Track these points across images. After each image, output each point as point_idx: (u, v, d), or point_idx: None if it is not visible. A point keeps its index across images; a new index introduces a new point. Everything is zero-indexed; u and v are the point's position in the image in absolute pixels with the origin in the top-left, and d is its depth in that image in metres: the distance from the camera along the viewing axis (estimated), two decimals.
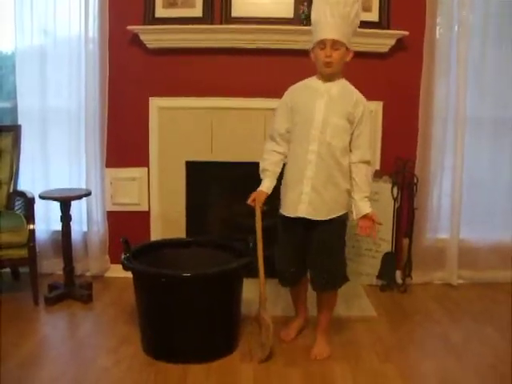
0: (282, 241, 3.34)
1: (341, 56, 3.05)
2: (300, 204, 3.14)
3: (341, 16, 2.97)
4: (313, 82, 3.19)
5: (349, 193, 3.17)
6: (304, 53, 4.13)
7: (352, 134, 3.11)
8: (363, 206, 3.15)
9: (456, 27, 4.24)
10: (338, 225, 3.22)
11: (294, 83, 4.19)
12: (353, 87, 3.17)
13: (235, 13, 4.23)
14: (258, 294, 3.27)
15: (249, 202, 3.24)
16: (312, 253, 3.21)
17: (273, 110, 3.97)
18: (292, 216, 3.19)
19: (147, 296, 3.27)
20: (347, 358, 3.22)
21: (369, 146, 3.17)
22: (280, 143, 3.25)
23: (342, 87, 3.15)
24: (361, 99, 3.13)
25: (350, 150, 3.14)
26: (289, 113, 3.21)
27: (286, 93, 3.28)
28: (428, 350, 3.38)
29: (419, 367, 3.20)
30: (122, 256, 3.32)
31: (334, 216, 3.16)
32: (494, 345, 3.45)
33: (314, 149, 3.09)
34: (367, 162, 3.15)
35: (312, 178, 3.11)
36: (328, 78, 3.12)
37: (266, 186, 3.25)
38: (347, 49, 3.07)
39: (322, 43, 3.02)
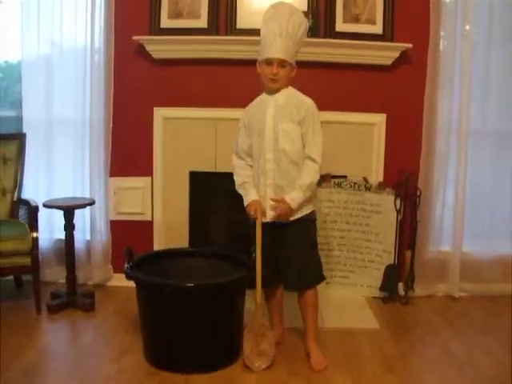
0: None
1: (286, 73, 3.24)
2: (266, 210, 3.29)
3: (289, 36, 3.14)
4: (263, 97, 3.36)
5: None
6: (307, 64, 4.18)
7: (303, 132, 3.27)
8: (291, 194, 3.24)
9: (459, 40, 4.26)
10: (307, 223, 3.35)
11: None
12: (298, 92, 3.32)
13: (240, 24, 4.26)
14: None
15: (252, 212, 3.28)
16: (285, 253, 3.32)
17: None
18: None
19: (150, 305, 3.27)
20: (350, 370, 3.22)
21: (314, 144, 3.30)
22: (246, 158, 3.43)
23: (287, 95, 3.29)
24: (303, 100, 3.28)
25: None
26: (247, 130, 3.40)
27: (243, 112, 3.46)
28: (430, 362, 3.38)
29: (421, 379, 3.19)
30: (125, 265, 3.32)
31: (299, 216, 3.29)
32: (496, 357, 3.44)
33: (270, 157, 3.27)
34: (311, 159, 3.28)
35: (273, 185, 3.29)
36: (273, 91, 3.29)
37: (255, 194, 3.36)
38: (292, 66, 3.26)
39: (269, 60, 3.19)
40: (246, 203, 3.34)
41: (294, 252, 3.30)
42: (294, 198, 3.22)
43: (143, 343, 3.34)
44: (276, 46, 3.15)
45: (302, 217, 3.29)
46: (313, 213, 3.37)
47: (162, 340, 3.21)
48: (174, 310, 3.15)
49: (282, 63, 3.19)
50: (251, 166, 3.41)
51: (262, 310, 3.30)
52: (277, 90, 3.28)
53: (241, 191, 3.41)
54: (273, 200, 3.25)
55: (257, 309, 3.28)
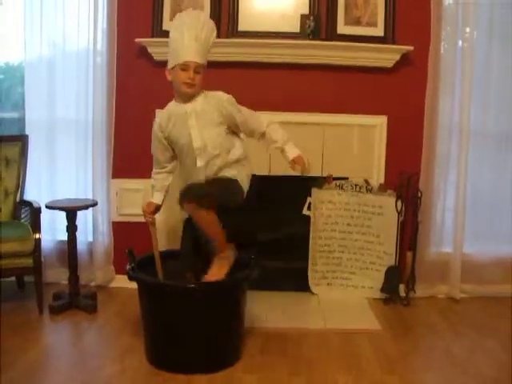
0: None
1: (201, 78, 3.22)
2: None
3: (204, 42, 3.18)
4: (176, 107, 3.31)
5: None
6: (309, 67, 4.20)
7: (235, 123, 3.32)
8: (292, 149, 3.33)
9: (460, 42, 4.28)
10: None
11: (299, 97, 4.26)
12: (211, 92, 3.31)
13: (242, 27, 4.27)
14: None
15: (142, 210, 3.48)
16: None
17: (278, 123, 4.04)
18: None
19: (152, 306, 3.28)
20: (351, 370, 3.23)
21: (253, 119, 3.37)
22: (163, 165, 3.49)
23: (203, 100, 3.26)
24: (220, 97, 3.27)
25: (247, 133, 3.41)
26: (164, 144, 3.38)
27: (155, 126, 3.40)
28: (431, 363, 3.39)
29: (422, 380, 3.21)
30: (127, 266, 3.34)
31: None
32: (497, 358, 3.45)
33: (201, 164, 3.28)
34: (269, 125, 3.36)
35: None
36: (188, 97, 3.25)
37: (156, 198, 3.50)
38: (204, 71, 3.25)
39: (184, 65, 3.16)
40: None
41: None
42: (293, 149, 3.33)
43: (145, 344, 3.35)
44: (192, 50, 3.15)
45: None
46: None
47: (163, 340, 3.22)
48: (175, 310, 3.16)
49: (197, 68, 3.18)
50: (164, 172, 3.50)
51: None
52: (192, 97, 3.24)
53: (151, 193, 3.55)
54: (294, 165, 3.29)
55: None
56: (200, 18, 3.24)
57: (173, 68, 3.22)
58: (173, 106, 3.33)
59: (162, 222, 4.43)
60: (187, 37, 3.14)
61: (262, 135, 3.37)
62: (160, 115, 3.40)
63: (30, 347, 3.42)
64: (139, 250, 3.47)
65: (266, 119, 3.38)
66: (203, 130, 3.24)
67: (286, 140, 3.33)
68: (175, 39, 3.19)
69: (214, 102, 3.25)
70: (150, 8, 4.29)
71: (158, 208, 3.51)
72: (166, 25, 4.25)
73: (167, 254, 3.66)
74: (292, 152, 3.30)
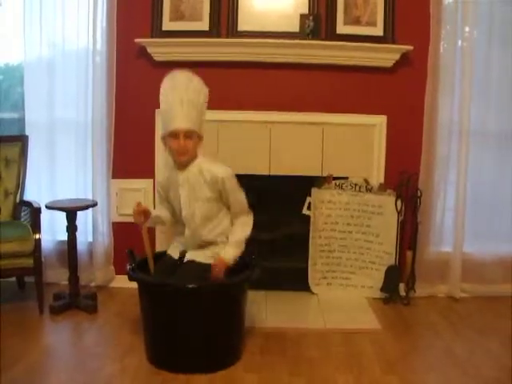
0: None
1: (194, 144, 3.19)
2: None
3: (191, 104, 3.11)
4: (172, 172, 3.32)
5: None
6: (309, 67, 4.20)
7: (227, 200, 3.30)
8: (227, 253, 3.28)
9: (460, 42, 4.28)
10: None
11: (298, 96, 4.27)
12: (209, 163, 3.27)
13: (241, 27, 4.27)
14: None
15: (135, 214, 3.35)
16: None
17: (278, 123, 4.05)
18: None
19: (152, 306, 3.29)
20: (351, 370, 3.23)
21: (237, 203, 3.33)
22: (164, 205, 3.50)
23: (198, 169, 3.24)
24: (215, 175, 3.21)
25: (229, 209, 3.36)
26: (163, 197, 3.46)
27: (158, 178, 3.52)
28: (431, 363, 3.39)
29: (423, 379, 3.21)
30: (128, 267, 3.34)
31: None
32: (497, 358, 3.45)
33: (188, 234, 3.34)
34: (241, 214, 3.35)
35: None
36: (183, 165, 3.24)
37: (156, 211, 3.48)
38: (199, 136, 3.21)
39: (174, 133, 3.12)
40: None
41: None
42: (230, 255, 3.27)
43: (145, 343, 3.36)
44: (179, 116, 3.10)
45: None
46: None
47: (164, 340, 3.23)
48: (176, 310, 3.16)
49: (188, 134, 3.12)
50: (165, 208, 3.49)
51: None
52: (187, 164, 3.23)
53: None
54: (212, 267, 3.24)
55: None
56: (184, 79, 3.19)
57: (164, 137, 3.22)
58: (171, 168, 3.33)
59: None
60: (173, 103, 3.12)
61: (234, 221, 3.35)
62: (162, 173, 3.46)
63: (30, 347, 3.42)
64: (139, 251, 3.47)
65: (246, 210, 3.35)
66: (193, 201, 3.26)
67: (235, 241, 3.30)
68: (162, 107, 3.20)
69: (209, 178, 3.21)
70: (150, 8, 4.29)
71: (147, 213, 3.36)
72: (166, 25, 4.28)
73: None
74: (224, 255, 3.27)
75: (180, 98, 3.09)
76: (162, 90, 3.20)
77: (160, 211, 3.48)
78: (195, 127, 3.15)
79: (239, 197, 3.30)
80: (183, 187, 3.25)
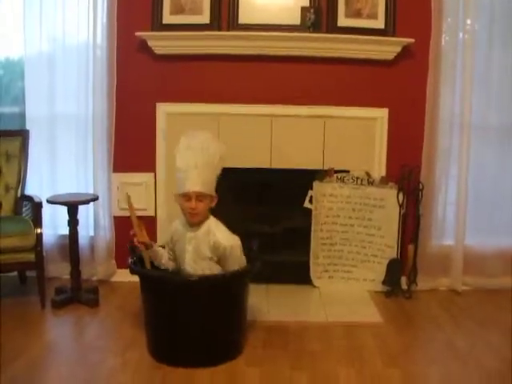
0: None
1: (206, 205, 3.24)
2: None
3: (206, 166, 3.19)
4: (183, 227, 3.37)
5: None
6: (310, 60, 4.20)
7: (223, 266, 3.31)
8: None
9: (461, 35, 4.26)
10: None
11: (299, 89, 4.26)
12: (217, 229, 3.30)
13: (242, 20, 4.26)
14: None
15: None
16: None
17: (279, 116, 4.05)
18: None
19: (153, 300, 3.29)
20: (352, 363, 3.23)
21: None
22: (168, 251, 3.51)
23: (206, 232, 3.28)
24: (219, 242, 3.24)
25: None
26: (172, 242, 3.46)
27: (171, 228, 3.50)
28: (433, 356, 3.38)
29: (424, 372, 3.20)
30: (129, 260, 3.34)
31: None
32: (499, 350, 3.44)
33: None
34: None
35: None
36: (195, 224, 3.30)
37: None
38: (211, 197, 3.26)
39: (186, 195, 3.20)
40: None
41: None
42: None
43: (147, 337, 3.36)
44: (192, 178, 3.16)
45: None
46: None
47: (165, 334, 3.23)
48: (177, 304, 3.16)
49: (200, 197, 3.19)
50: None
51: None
52: (197, 224, 3.29)
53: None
54: None
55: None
56: (200, 142, 3.25)
57: (178, 196, 3.28)
58: (184, 223, 3.38)
59: (165, 217, 4.45)
60: (187, 165, 3.18)
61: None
62: (174, 225, 3.47)
63: (32, 342, 3.43)
64: None
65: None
66: (196, 258, 3.29)
67: None
68: (177, 167, 3.24)
69: (212, 242, 3.26)
70: (150, 1, 4.27)
71: (148, 245, 3.39)
72: (166, 18, 4.26)
73: None
74: None
75: (195, 161, 3.16)
76: (178, 148, 3.27)
77: (164, 253, 3.50)
78: (207, 190, 3.22)
79: (238, 265, 3.31)
80: (190, 244, 3.31)
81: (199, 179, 3.17)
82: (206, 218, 3.32)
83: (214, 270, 3.28)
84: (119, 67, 4.36)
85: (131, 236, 3.34)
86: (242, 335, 3.41)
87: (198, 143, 3.23)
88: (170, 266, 3.47)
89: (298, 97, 4.33)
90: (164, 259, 3.45)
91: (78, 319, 3.86)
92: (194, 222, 3.29)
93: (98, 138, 4.38)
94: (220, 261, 3.30)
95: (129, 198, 3.39)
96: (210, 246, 3.26)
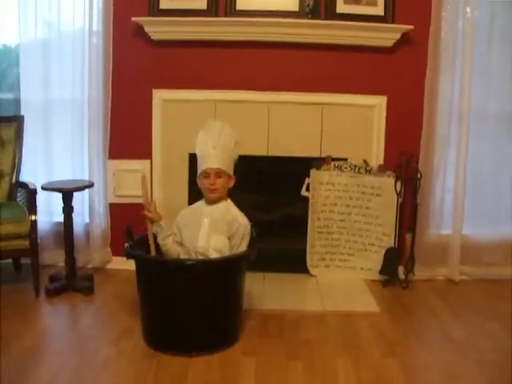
0: None
1: (224, 183, 3.43)
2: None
3: (222, 148, 3.39)
4: (200, 205, 3.54)
5: None
6: (308, 46, 4.16)
7: (231, 241, 3.41)
8: None
9: (461, 22, 4.22)
10: None
11: (297, 75, 4.25)
12: (234, 208, 3.49)
13: (240, 5, 4.21)
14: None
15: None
16: None
17: (276, 103, 4.02)
18: None
19: (149, 285, 3.26)
20: (349, 353, 3.21)
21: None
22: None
23: (223, 210, 3.45)
24: (236, 217, 3.43)
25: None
26: (178, 231, 3.52)
27: (179, 215, 3.60)
28: (430, 345, 3.38)
29: (421, 362, 3.19)
30: (125, 244, 3.32)
31: None
32: (497, 340, 3.44)
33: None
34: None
35: None
36: (213, 201, 3.46)
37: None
38: (229, 176, 3.46)
39: (205, 173, 3.40)
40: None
41: None
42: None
43: (142, 325, 3.34)
44: (211, 157, 3.38)
45: None
46: None
47: (161, 321, 3.20)
48: (173, 289, 3.14)
49: (218, 173, 3.38)
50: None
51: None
52: (215, 201, 3.45)
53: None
54: None
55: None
56: (217, 127, 3.47)
57: (199, 178, 3.46)
58: (199, 204, 3.55)
59: (161, 204, 4.42)
60: (205, 147, 3.40)
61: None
62: (180, 214, 3.60)
63: (26, 330, 3.40)
64: (136, 232, 3.45)
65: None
66: (211, 232, 3.39)
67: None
68: (197, 152, 3.48)
69: (230, 218, 3.41)
70: None
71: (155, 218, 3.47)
72: (164, 3, 4.22)
73: None
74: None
75: (213, 144, 3.38)
76: (197, 138, 3.47)
77: (170, 234, 3.53)
78: (225, 167, 3.40)
79: (242, 246, 3.41)
80: (207, 218, 3.42)
81: (217, 158, 3.37)
82: (224, 198, 3.49)
83: (224, 247, 3.36)
84: (115, 53, 4.32)
85: (141, 212, 3.44)
86: (238, 323, 3.39)
87: (215, 129, 3.45)
88: (175, 250, 3.49)
89: (296, 84, 4.30)
90: (169, 239, 3.49)
91: (73, 307, 3.84)
92: (212, 198, 3.43)
93: (93, 125, 4.34)
94: (231, 238, 3.39)
95: (144, 178, 3.54)
96: (228, 221, 3.39)
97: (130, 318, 3.56)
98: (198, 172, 3.45)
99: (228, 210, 3.46)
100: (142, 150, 4.41)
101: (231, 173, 3.46)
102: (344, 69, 4.30)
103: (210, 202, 3.45)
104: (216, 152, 3.37)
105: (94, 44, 4.28)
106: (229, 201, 3.51)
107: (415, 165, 4.30)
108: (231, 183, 3.48)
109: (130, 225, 3.41)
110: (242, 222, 3.41)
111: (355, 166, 4.36)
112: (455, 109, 4.31)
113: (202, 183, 3.43)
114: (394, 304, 3.99)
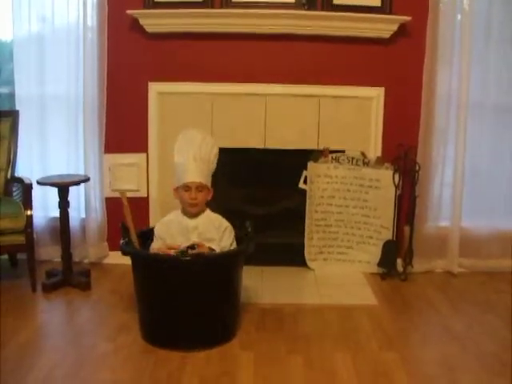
0: None
1: (204, 197, 3.40)
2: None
3: (202, 159, 3.36)
4: (181, 218, 3.44)
5: None
6: (305, 38, 4.13)
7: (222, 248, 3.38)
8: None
9: (459, 14, 4.19)
10: None
11: (294, 68, 4.21)
12: (214, 214, 3.47)
13: None
14: None
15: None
16: None
17: (273, 95, 4.00)
18: None
19: (146, 281, 3.25)
20: (348, 346, 3.20)
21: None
22: None
23: (206, 219, 3.43)
24: (221, 221, 3.44)
25: None
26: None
27: (159, 226, 3.49)
28: (429, 338, 3.37)
29: (421, 355, 3.18)
30: (121, 241, 3.30)
31: None
32: (496, 332, 3.43)
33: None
34: None
35: None
36: (194, 215, 3.42)
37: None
38: (208, 189, 3.42)
39: (186, 186, 3.35)
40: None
41: None
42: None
43: (139, 320, 3.32)
44: (192, 171, 3.33)
45: None
46: None
47: (158, 316, 3.19)
48: (169, 285, 3.12)
49: (199, 187, 3.35)
50: None
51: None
52: (196, 214, 3.41)
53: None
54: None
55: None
56: (198, 137, 3.41)
57: (177, 188, 3.41)
58: (179, 215, 3.46)
59: (157, 198, 4.41)
60: (186, 159, 3.33)
61: None
62: (166, 219, 3.52)
63: (23, 325, 3.39)
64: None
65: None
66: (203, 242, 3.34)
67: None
68: (176, 161, 3.40)
69: (217, 224, 3.41)
70: None
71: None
72: None
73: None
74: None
75: (193, 155, 3.33)
76: (176, 145, 3.43)
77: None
78: (205, 181, 3.37)
79: (233, 244, 3.43)
80: (194, 233, 3.37)
81: (199, 172, 3.34)
82: (204, 209, 3.45)
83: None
84: (110, 46, 4.29)
85: (123, 217, 3.38)
86: (236, 317, 3.38)
87: (195, 139, 3.39)
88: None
89: (293, 76, 4.27)
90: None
91: (70, 303, 3.82)
92: (193, 212, 3.39)
93: (88, 119, 4.31)
94: (220, 240, 3.38)
95: (124, 194, 3.55)
96: (216, 227, 3.39)
97: (127, 313, 3.54)
98: (178, 183, 3.40)
99: (210, 217, 3.44)
100: (138, 143, 4.38)
101: (210, 185, 3.43)
102: (341, 60, 4.28)
103: (191, 216, 3.41)
104: (197, 164, 3.34)
105: (88, 38, 4.24)
106: (208, 211, 3.48)
107: (413, 157, 4.29)
108: (210, 196, 3.44)
109: (124, 222, 3.38)
110: (226, 223, 3.43)
111: (353, 159, 4.34)
112: (453, 100, 4.28)
113: (183, 196, 3.38)
114: (392, 297, 3.98)
